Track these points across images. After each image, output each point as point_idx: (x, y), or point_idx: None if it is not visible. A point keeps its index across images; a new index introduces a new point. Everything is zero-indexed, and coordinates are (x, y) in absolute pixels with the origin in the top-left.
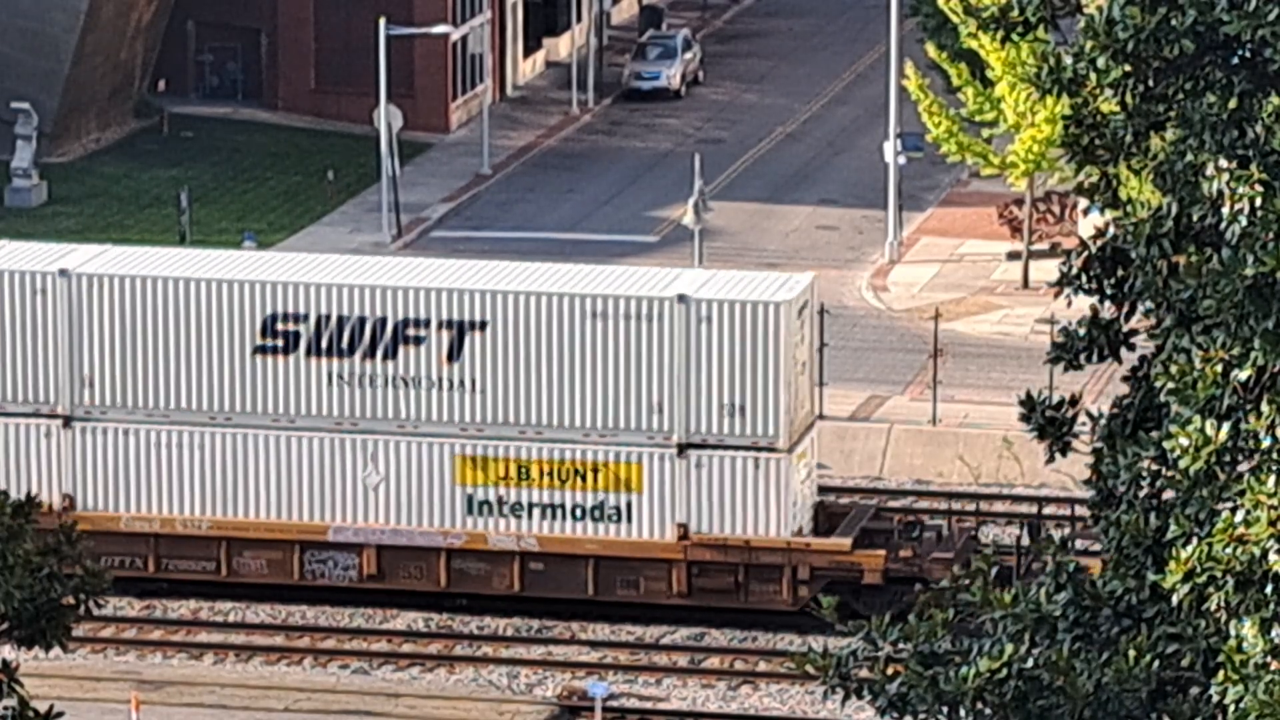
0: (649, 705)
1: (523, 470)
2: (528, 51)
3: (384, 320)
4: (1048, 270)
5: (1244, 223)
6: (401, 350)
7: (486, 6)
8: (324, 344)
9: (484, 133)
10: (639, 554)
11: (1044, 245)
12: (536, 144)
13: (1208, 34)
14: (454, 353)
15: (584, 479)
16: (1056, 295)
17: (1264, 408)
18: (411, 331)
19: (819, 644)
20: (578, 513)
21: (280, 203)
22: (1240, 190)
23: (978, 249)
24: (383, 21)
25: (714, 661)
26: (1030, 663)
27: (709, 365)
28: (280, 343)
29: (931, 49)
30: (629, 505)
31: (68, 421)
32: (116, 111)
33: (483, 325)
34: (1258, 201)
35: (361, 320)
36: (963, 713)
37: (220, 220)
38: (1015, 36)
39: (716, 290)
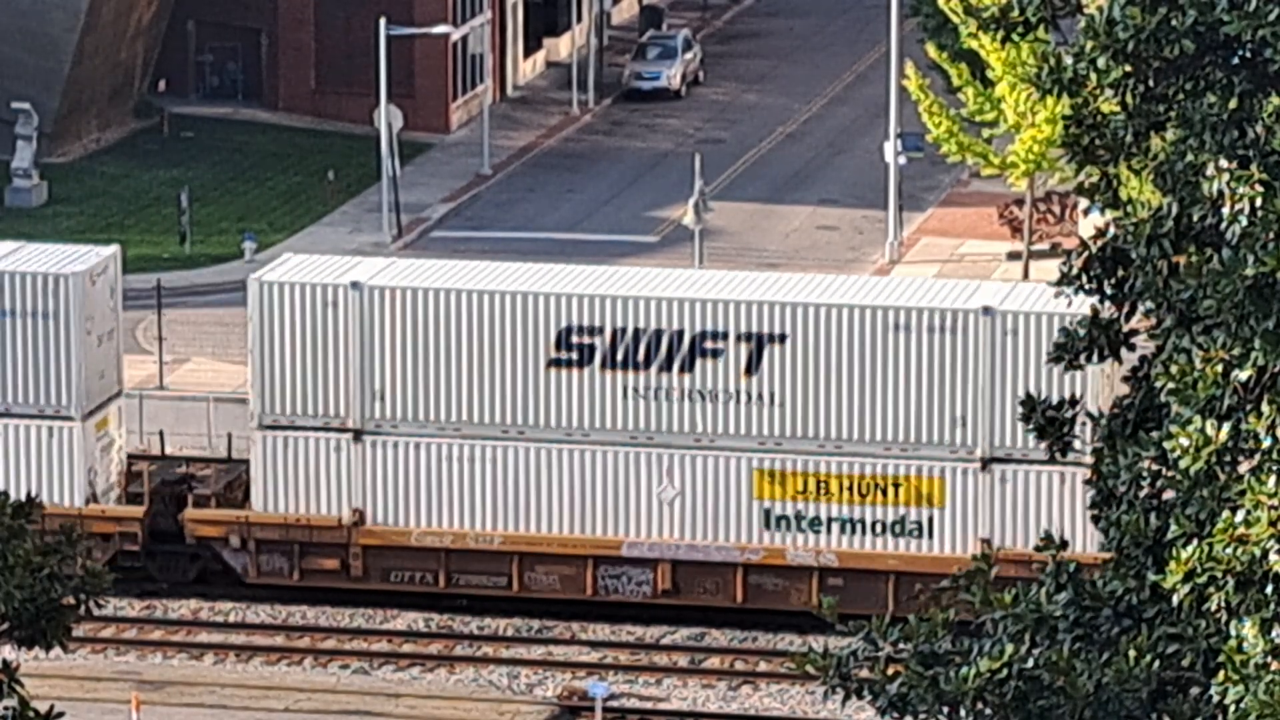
0: (649, 705)
1: (821, 485)
2: (528, 51)
3: (680, 333)
4: (1048, 270)
5: (1244, 223)
6: (698, 363)
7: (486, 6)
8: (619, 357)
9: (484, 133)
10: (941, 570)
11: (1044, 245)
12: (537, 144)
13: (1208, 34)
14: (752, 365)
15: (885, 494)
16: (1056, 295)
17: (1264, 408)
18: (709, 344)
19: (819, 644)
20: (878, 528)
21: (280, 203)
22: (1240, 190)
23: (978, 249)
24: (383, 21)
25: (714, 661)
26: (1030, 663)
27: (1014, 378)
28: (575, 355)
29: (932, 49)
30: (931, 520)
31: (358, 435)
32: (117, 111)
33: (782, 338)
34: (1258, 201)
35: (658, 333)
36: (963, 713)
37: (220, 220)
38: (1015, 36)
39: (1020, 302)
